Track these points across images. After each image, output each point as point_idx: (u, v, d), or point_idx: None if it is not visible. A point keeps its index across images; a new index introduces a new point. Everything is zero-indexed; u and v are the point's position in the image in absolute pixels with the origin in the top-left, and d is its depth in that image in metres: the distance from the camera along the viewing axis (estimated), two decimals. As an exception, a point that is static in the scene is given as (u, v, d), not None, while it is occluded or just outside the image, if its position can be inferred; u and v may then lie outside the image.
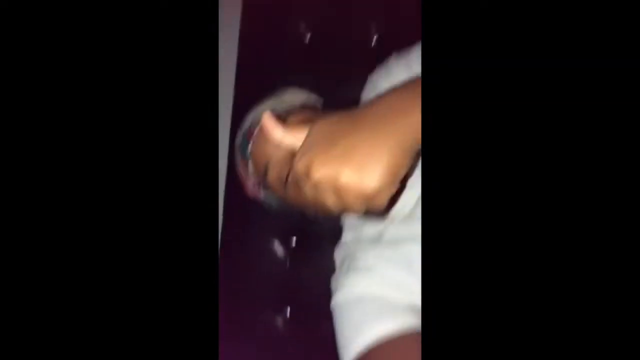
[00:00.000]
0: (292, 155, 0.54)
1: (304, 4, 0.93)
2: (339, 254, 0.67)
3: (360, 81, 0.69)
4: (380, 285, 0.58)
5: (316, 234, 0.94)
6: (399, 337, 0.53)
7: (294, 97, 0.65)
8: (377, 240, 0.62)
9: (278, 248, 0.98)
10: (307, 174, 0.42)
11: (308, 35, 0.94)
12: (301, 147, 0.45)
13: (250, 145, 0.59)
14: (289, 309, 0.97)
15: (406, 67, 0.62)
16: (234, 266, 0.98)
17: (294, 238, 0.97)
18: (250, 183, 0.63)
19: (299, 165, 0.44)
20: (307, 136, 0.45)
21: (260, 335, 0.96)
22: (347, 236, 0.67)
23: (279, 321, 0.97)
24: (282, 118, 0.57)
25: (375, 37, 0.93)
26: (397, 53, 0.65)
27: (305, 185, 0.44)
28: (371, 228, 0.63)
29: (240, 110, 0.71)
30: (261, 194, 0.63)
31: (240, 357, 0.89)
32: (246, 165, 0.61)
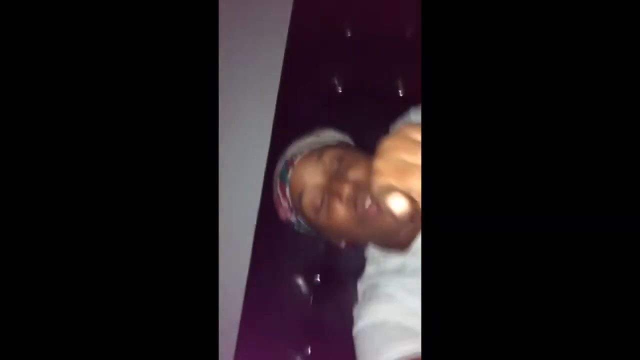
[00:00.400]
0: (325, 184, 0.61)
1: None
2: (361, 286, 0.70)
3: (385, 129, 0.75)
4: (401, 313, 0.60)
5: (340, 271, 0.97)
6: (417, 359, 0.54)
7: (330, 135, 0.75)
8: (399, 271, 0.65)
9: (302, 285, 1.00)
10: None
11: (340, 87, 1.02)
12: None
13: (290, 173, 0.67)
14: (309, 348, 0.98)
15: None
16: (259, 301, 1.00)
17: (318, 275, 0.99)
18: (285, 207, 0.69)
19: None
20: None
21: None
22: (369, 269, 0.71)
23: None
24: (320, 151, 0.66)
25: (401, 87, 1.00)
26: (417, 106, 0.72)
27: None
28: (393, 261, 0.67)
29: (275, 154, 0.79)
30: (292, 218, 0.69)
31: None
32: (284, 189, 0.68)
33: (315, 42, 1.02)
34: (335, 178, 0.62)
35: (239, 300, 1.00)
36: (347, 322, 0.93)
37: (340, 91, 1.01)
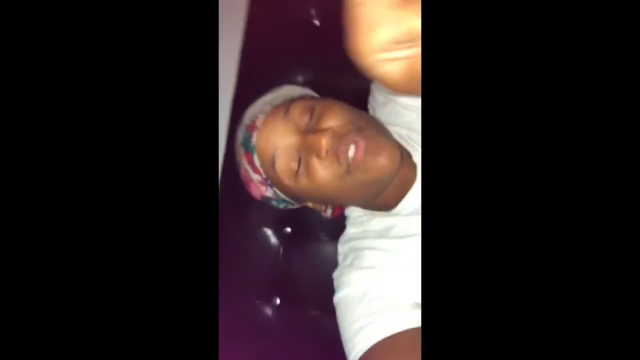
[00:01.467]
0: (299, 142, 0.54)
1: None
2: (342, 248, 0.66)
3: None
4: (385, 283, 0.58)
5: (310, 222, 0.93)
6: (403, 332, 0.54)
7: (290, 91, 0.65)
8: (385, 233, 0.61)
9: (271, 236, 0.97)
10: None
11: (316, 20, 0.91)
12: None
13: (254, 138, 0.58)
14: (278, 300, 0.97)
15: None
16: (226, 253, 0.96)
17: (289, 229, 0.96)
18: (257, 181, 0.61)
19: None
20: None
21: (252, 324, 0.95)
22: (351, 230, 0.66)
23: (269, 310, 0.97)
24: (285, 106, 0.57)
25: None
26: None
27: None
28: (378, 221, 0.63)
29: (240, 109, 0.69)
30: (269, 192, 0.62)
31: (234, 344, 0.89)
32: (252, 159, 0.59)
33: None
34: (309, 132, 0.54)
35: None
36: (317, 272, 0.91)
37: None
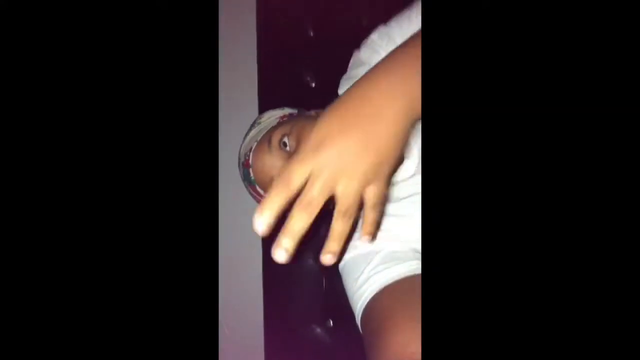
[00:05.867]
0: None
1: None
2: None
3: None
4: (390, 241, 0.61)
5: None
6: (408, 277, 0.55)
7: (269, 116, 0.73)
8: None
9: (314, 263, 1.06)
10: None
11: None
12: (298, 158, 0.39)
13: (251, 172, 0.66)
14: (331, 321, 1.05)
15: (388, 39, 0.64)
16: (278, 281, 1.08)
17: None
18: None
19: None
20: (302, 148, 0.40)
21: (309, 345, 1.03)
22: None
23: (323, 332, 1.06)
24: (266, 137, 0.64)
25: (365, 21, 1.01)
26: (378, 28, 0.66)
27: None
28: None
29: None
30: None
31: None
32: (256, 190, 0.68)
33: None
34: (292, 154, 0.59)
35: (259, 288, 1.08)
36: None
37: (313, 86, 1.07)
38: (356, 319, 0.60)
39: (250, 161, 0.65)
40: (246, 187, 0.70)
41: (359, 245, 0.62)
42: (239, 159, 0.70)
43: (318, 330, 1.05)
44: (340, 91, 0.72)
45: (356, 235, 0.63)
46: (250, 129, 0.72)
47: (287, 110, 0.73)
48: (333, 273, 1.04)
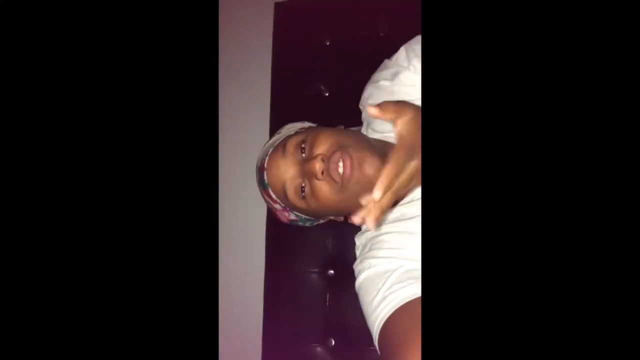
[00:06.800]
0: (299, 171, 0.64)
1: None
2: (360, 240, 0.72)
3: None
4: (404, 260, 0.62)
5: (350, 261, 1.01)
6: (420, 297, 0.55)
7: (288, 127, 0.77)
8: (399, 219, 0.66)
9: (318, 280, 1.04)
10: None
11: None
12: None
13: (265, 177, 0.70)
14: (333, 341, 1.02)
15: (396, 64, 0.73)
16: (277, 300, 1.05)
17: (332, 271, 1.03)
18: (280, 209, 0.72)
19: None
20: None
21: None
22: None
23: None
24: (282, 144, 0.69)
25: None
26: (391, 56, 0.76)
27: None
28: (392, 213, 0.68)
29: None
30: (292, 216, 0.73)
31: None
32: (269, 194, 0.70)
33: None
34: (305, 161, 0.65)
35: (259, 303, 1.05)
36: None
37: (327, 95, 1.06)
38: (374, 341, 0.61)
39: (265, 165, 0.69)
40: (261, 192, 0.73)
41: (373, 264, 0.64)
42: (256, 163, 0.74)
43: (319, 349, 1.02)
44: (366, 94, 0.78)
45: (369, 256, 0.66)
46: (270, 138, 0.77)
47: (307, 124, 0.78)
48: (338, 288, 1.04)
